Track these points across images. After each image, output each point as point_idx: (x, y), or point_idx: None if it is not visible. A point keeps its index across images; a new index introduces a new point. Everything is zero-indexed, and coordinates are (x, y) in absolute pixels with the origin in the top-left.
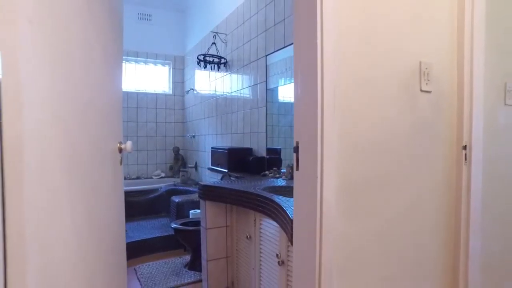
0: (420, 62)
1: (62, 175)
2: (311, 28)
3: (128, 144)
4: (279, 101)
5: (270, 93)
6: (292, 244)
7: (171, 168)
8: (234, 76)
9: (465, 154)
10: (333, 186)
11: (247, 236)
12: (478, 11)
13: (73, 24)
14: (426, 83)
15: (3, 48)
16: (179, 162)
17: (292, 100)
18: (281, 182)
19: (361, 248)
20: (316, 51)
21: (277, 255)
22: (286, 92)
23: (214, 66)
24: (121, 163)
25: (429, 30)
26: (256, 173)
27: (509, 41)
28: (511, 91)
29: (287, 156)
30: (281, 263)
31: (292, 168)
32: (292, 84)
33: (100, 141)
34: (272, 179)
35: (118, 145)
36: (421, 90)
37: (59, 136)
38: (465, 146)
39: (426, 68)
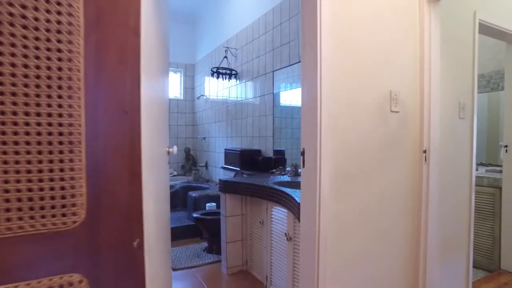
0: (391, 91)
1: (150, 170)
2: (313, 72)
3: (175, 148)
4: (281, 104)
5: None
6: (299, 221)
7: (183, 167)
8: (244, 85)
9: (425, 156)
10: (327, 178)
11: (260, 221)
12: (434, 51)
13: (156, 57)
14: (395, 105)
15: (145, 90)
16: (190, 161)
17: (292, 104)
18: (286, 178)
19: (347, 221)
20: (316, 87)
21: (285, 234)
22: (286, 97)
23: (225, 76)
24: (168, 163)
25: (397, 67)
26: (265, 171)
27: (460, 70)
28: (464, 108)
29: (289, 156)
30: (289, 239)
31: (295, 166)
32: (292, 90)
33: (160, 145)
34: (278, 176)
35: (167, 148)
36: (391, 111)
37: (149, 142)
38: (425, 150)
39: (395, 95)
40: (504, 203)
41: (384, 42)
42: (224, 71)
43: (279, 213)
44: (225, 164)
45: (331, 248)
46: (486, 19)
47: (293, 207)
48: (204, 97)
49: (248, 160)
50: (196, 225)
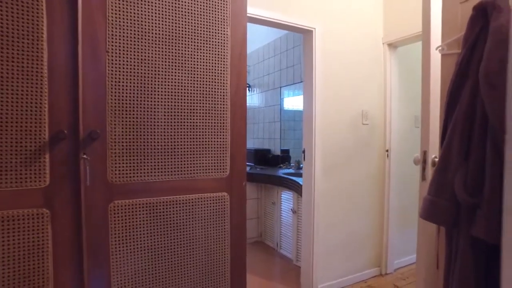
0: (362, 110)
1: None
2: (310, 99)
3: None
4: (284, 109)
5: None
6: (301, 196)
7: None
8: (256, 96)
9: (387, 154)
10: (319, 167)
11: (272, 202)
12: (394, 81)
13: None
14: (365, 120)
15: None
16: None
17: (292, 108)
18: (291, 170)
19: (331, 193)
20: (312, 109)
21: (291, 209)
22: (288, 102)
23: None
24: None
25: (367, 93)
26: (274, 166)
27: (415, 93)
28: (418, 119)
29: (293, 154)
30: (294, 212)
31: (298, 162)
32: (293, 98)
33: None
34: (285, 169)
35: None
36: (363, 123)
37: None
38: (387, 150)
39: (366, 112)
40: None
41: (358, 78)
42: None
43: (286, 195)
44: None
45: (322, 212)
46: None
47: (297, 188)
48: None
49: (260, 157)
50: None
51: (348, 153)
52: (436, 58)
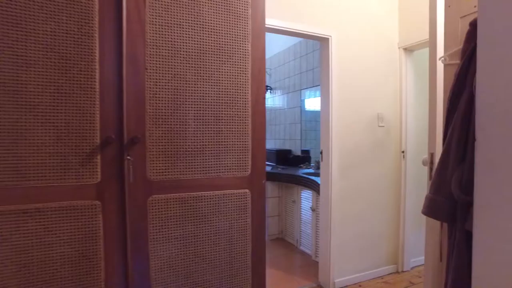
0: (378, 113)
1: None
2: (327, 103)
3: None
4: (306, 109)
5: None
6: (319, 195)
7: None
8: (277, 98)
9: (403, 155)
10: (335, 167)
11: (292, 201)
12: (409, 85)
13: None
14: (381, 122)
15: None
16: None
17: (314, 109)
18: (311, 170)
19: (347, 192)
20: (329, 112)
21: (310, 207)
22: (310, 103)
23: None
24: None
25: (383, 97)
26: (294, 166)
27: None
28: None
29: (313, 154)
30: (313, 210)
31: (318, 162)
32: (314, 99)
33: None
34: (305, 169)
35: None
36: (378, 126)
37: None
38: (403, 151)
39: (381, 115)
40: None
41: (374, 82)
42: None
43: (306, 194)
44: None
45: (338, 208)
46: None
47: (316, 187)
48: None
49: (281, 157)
50: None
51: (364, 154)
52: (442, 67)
